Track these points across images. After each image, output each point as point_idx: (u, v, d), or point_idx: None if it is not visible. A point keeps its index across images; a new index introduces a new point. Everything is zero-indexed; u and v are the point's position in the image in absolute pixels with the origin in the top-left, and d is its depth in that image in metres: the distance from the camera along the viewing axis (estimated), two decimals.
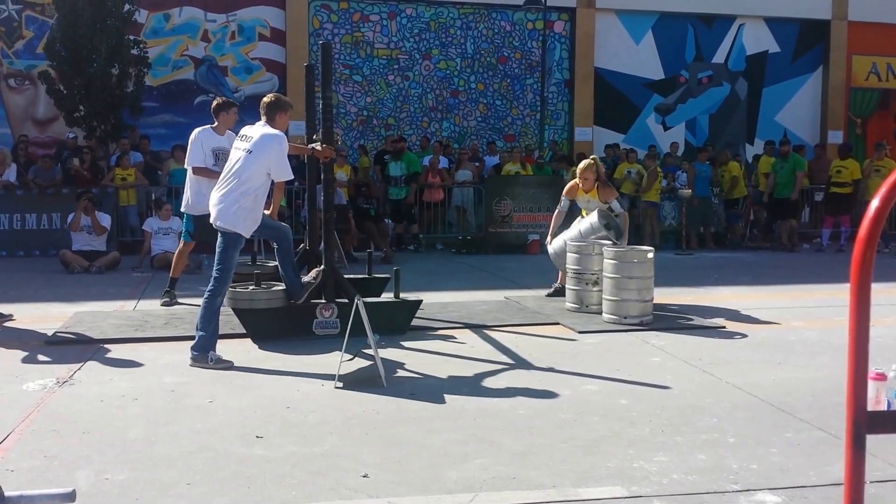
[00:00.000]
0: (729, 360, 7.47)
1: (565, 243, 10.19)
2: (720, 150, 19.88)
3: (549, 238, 10.69)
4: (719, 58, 22.59)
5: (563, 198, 10.66)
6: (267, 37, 20.00)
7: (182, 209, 9.88)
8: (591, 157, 10.83)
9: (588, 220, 10.22)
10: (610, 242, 9.74)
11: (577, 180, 10.52)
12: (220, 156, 9.43)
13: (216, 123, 9.71)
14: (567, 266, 9.88)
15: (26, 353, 7.55)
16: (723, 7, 22.18)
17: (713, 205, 18.49)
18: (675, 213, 18.12)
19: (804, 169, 18.02)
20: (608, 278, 9.08)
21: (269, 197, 7.79)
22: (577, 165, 10.94)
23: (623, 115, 22.05)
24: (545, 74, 20.50)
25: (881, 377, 4.91)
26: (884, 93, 23.57)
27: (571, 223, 10.68)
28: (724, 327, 8.97)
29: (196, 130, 9.69)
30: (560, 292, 10.41)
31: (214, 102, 9.92)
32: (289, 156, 7.54)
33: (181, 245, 10.16)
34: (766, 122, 22.86)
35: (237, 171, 7.33)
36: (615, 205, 10.43)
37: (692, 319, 9.31)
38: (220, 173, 9.38)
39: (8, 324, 8.88)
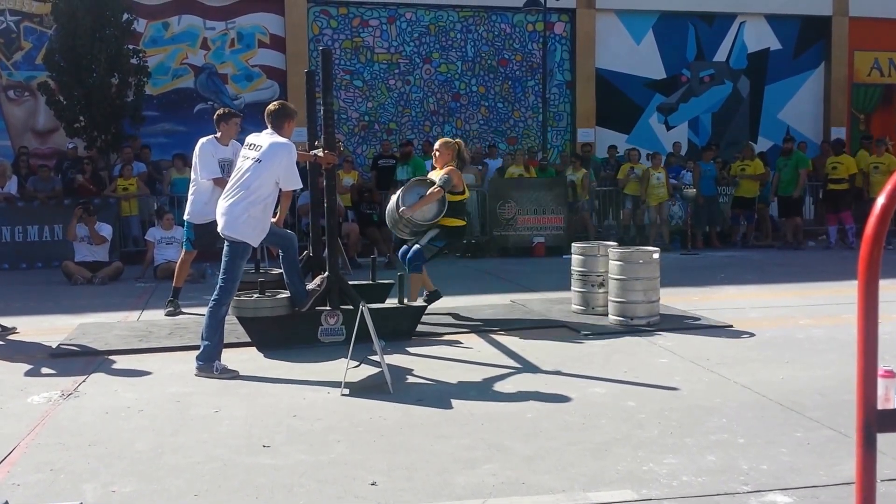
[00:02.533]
0: (737, 360, 7.43)
1: (393, 205, 9.41)
2: (746, 144, 19.66)
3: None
4: (721, 56, 22.57)
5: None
6: (266, 43, 20.02)
7: (185, 217, 9.85)
8: (457, 140, 9.67)
9: (398, 194, 9.42)
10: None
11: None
12: (225, 167, 9.40)
13: (219, 134, 9.68)
14: (572, 268, 9.83)
15: (31, 366, 7.53)
16: (723, 5, 22.16)
17: (719, 204, 18.42)
18: (682, 213, 18.07)
19: (807, 166, 17.97)
20: (614, 280, 9.04)
21: (275, 204, 7.76)
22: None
23: (625, 116, 22.03)
24: (546, 76, 20.49)
25: (890, 374, 4.88)
26: (886, 88, 23.53)
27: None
28: (732, 326, 8.93)
29: (201, 141, 9.63)
30: (434, 297, 9.69)
31: (217, 112, 9.89)
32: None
33: (183, 254, 10.14)
34: (768, 119, 22.83)
35: (246, 180, 7.28)
36: (441, 178, 9.20)
37: (699, 319, 9.27)
38: (210, 192, 9.39)
39: (12, 337, 8.87)
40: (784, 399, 6.13)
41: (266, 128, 7.55)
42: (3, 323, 9.10)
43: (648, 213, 17.93)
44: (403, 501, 4.34)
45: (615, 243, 9.95)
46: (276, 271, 9.06)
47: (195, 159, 9.61)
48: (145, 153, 17.92)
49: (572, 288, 9.83)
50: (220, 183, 9.24)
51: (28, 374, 7.29)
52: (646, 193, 17.77)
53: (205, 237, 9.50)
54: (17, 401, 6.39)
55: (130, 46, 17.38)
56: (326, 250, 8.46)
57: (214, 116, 9.85)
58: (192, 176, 9.70)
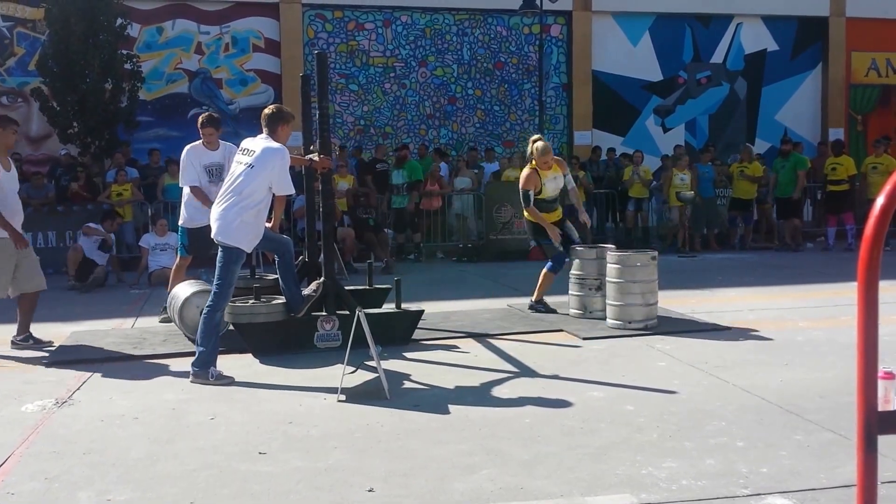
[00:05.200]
0: (736, 363, 7.41)
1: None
2: (744, 146, 19.54)
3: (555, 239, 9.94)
4: (717, 57, 22.56)
5: (528, 193, 9.80)
6: (261, 48, 19.99)
7: (179, 223, 9.82)
8: (537, 136, 10.20)
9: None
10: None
11: (532, 166, 9.83)
12: (214, 171, 9.36)
13: (203, 139, 9.64)
14: (570, 272, 9.79)
15: (25, 374, 7.50)
16: (720, 6, 22.16)
17: (717, 206, 18.37)
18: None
19: (806, 167, 17.96)
20: (611, 283, 9.01)
21: (270, 210, 7.72)
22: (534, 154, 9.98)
23: (622, 118, 22.01)
24: (543, 78, 20.46)
25: (890, 376, 4.85)
26: (884, 89, 23.52)
27: None
28: (730, 329, 8.90)
29: (186, 148, 9.60)
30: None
31: (200, 119, 9.79)
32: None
33: (178, 260, 10.08)
34: (766, 121, 22.82)
35: (238, 185, 7.25)
36: (569, 179, 10.17)
37: (697, 322, 9.25)
38: (214, 194, 9.37)
39: (4, 344, 8.78)
40: (783, 402, 6.10)
41: (262, 132, 7.52)
42: (37, 335, 8.98)
43: (671, 214, 17.84)
44: None
45: (613, 246, 9.89)
46: (272, 277, 9.04)
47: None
48: (156, 155, 17.73)
49: (570, 292, 9.79)
50: (196, 192, 9.33)
51: (22, 381, 7.23)
52: (668, 195, 17.72)
53: (199, 242, 9.46)
54: (10, 409, 6.35)
55: (124, 51, 17.35)
56: (322, 255, 8.43)
57: (198, 121, 9.79)
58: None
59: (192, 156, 9.45)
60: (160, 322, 9.88)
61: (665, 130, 22.26)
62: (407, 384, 6.92)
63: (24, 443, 5.48)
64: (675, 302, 10.37)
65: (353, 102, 20.68)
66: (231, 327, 8.20)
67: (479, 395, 6.51)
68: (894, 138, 20.06)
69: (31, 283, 8.74)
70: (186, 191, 9.56)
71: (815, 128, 22.97)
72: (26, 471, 4.95)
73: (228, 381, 6.99)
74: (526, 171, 10.01)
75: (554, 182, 9.96)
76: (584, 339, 8.55)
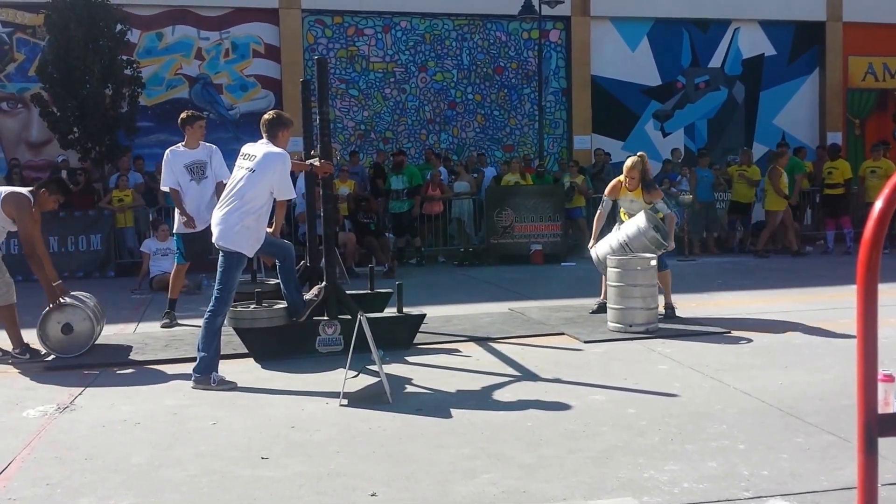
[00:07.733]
0: (736, 366, 7.41)
1: (609, 248, 9.58)
2: (743, 150, 19.42)
3: (591, 241, 10.08)
4: (716, 62, 22.57)
5: (605, 198, 9.96)
6: (261, 53, 19.99)
7: (174, 230, 9.85)
8: (639, 153, 9.99)
9: (634, 223, 9.49)
10: (651, 252, 9.32)
11: (621, 178, 9.82)
12: (196, 170, 9.42)
13: (185, 139, 9.67)
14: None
15: (26, 380, 7.51)
16: (718, 11, 22.16)
17: (716, 210, 18.37)
18: (678, 219, 17.97)
19: (803, 171, 17.97)
20: (612, 286, 9.01)
21: (271, 215, 7.73)
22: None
23: (621, 123, 22.01)
24: (542, 83, 20.46)
25: (890, 379, 4.86)
26: (881, 93, 23.56)
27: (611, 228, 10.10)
28: (730, 332, 8.90)
29: (167, 151, 9.66)
30: (604, 308, 9.54)
31: (180, 116, 9.83)
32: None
33: (175, 266, 10.09)
34: (764, 125, 22.82)
35: (239, 190, 7.27)
36: (661, 206, 9.84)
37: (698, 326, 9.25)
38: (197, 192, 9.42)
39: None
40: (784, 404, 6.11)
41: (262, 137, 7.54)
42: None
43: (774, 218, 17.12)
44: None
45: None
46: (273, 281, 9.04)
47: None
48: (139, 164, 17.79)
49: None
50: (174, 195, 9.56)
51: (23, 387, 7.25)
52: (771, 196, 17.07)
53: (195, 247, 9.49)
54: (12, 415, 6.36)
55: (124, 57, 17.35)
56: (323, 260, 8.43)
57: (179, 120, 9.81)
58: None
59: (172, 159, 9.54)
60: (161, 327, 9.89)
61: (664, 135, 22.27)
62: (409, 388, 6.93)
63: (26, 448, 5.49)
64: (676, 305, 10.35)
65: (354, 107, 20.69)
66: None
67: (481, 399, 6.52)
68: (892, 142, 20.06)
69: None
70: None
71: (812, 132, 22.98)
72: (28, 476, 4.96)
73: (230, 387, 6.99)
74: (615, 180, 9.97)
75: (629, 205, 9.85)
76: (586, 342, 8.56)
